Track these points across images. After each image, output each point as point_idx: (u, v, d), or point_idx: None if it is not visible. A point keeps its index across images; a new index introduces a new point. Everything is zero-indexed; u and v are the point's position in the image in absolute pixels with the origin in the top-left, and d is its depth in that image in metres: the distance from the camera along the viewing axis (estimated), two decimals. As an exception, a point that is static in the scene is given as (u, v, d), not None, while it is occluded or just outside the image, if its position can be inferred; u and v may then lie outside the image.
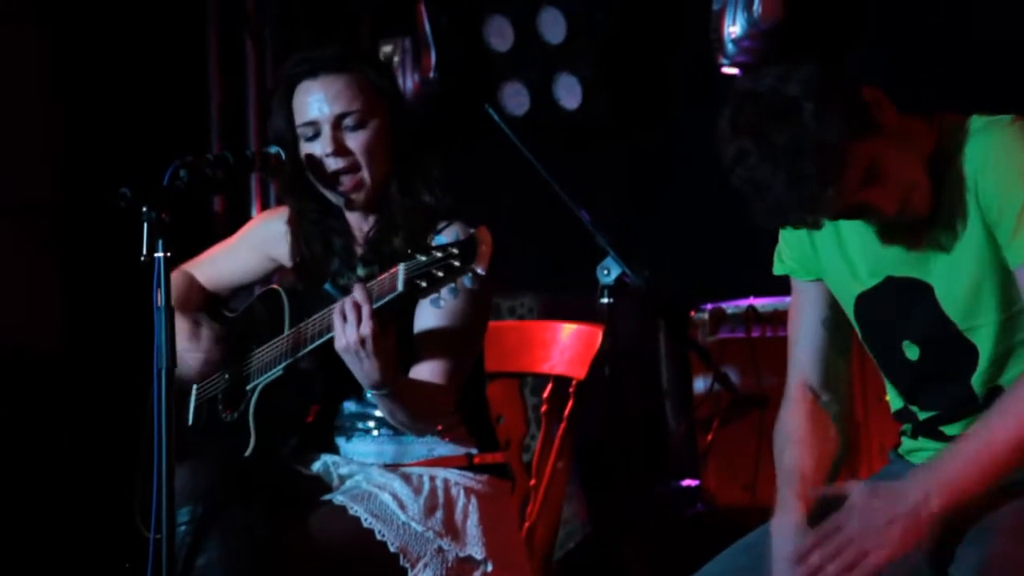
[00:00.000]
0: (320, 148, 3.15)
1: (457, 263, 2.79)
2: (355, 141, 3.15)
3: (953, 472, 2.51)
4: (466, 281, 2.81)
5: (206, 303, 3.42)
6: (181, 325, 3.16)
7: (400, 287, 2.83)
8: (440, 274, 2.80)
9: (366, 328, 2.87)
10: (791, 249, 2.81)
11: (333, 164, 3.15)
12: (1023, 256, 2.53)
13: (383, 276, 2.88)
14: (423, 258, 2.81)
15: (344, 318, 2.89)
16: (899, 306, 2.68)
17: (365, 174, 3.15)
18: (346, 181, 3.16)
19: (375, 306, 2.88)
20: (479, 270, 2.80)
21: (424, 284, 2.81)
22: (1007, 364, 2.61)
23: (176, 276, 3.34)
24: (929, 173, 2.58)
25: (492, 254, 2.80)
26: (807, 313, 2.82)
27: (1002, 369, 2.62)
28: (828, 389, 2.82)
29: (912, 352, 2.71)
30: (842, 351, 2.82)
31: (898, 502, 2.50)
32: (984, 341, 2.62)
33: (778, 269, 2.85)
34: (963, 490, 2.50)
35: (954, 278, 2.61)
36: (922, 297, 2.65)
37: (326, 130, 3.15)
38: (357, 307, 2.88)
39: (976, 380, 2.64)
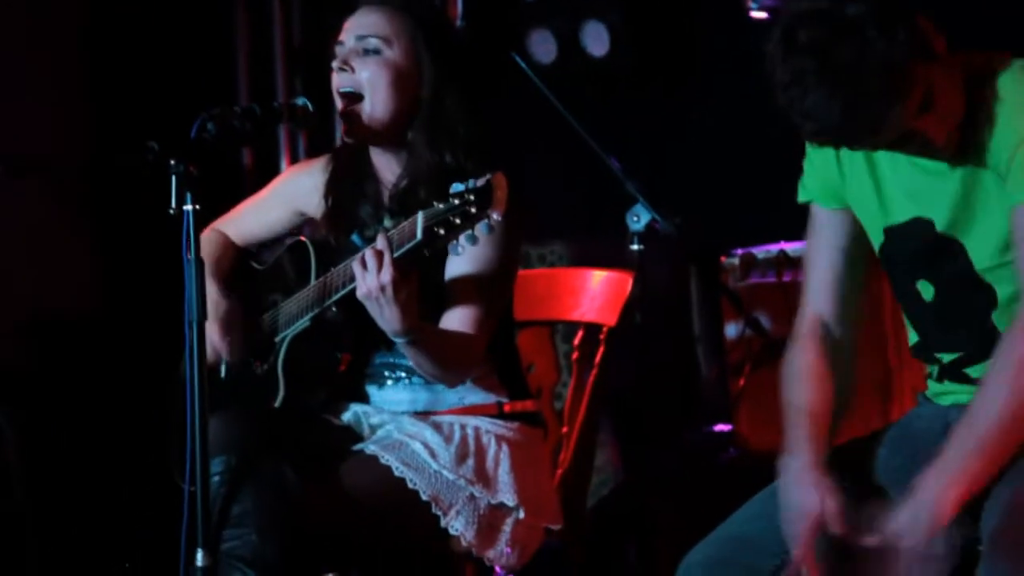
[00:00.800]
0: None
1: (474, 209, 2.79)
2: (365, 66, 3.13)
3: (956, 473, 2.50)
4: (483, 227, 2.80)
5: (236, 261, 3.42)
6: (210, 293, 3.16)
7: (419, 235, 2.83)
8: (458, 221, 2.79)
9: (386, 275, 2.87)
10: (817, 175, 2.76)
11: (336, 81, 3.14)
12: (1016, 196, 2.51)
13: (403, 224, 2.88)
14: (441, 206, 2.81)
15: (365, 266, 2.90)
16: (923, 244, 2.65)
17: (366, 104, 3.13)
18: (342, 104, 3.14)
19: (396, 254, 2.88)
20: (495, 216, 2.79)
21: (442, 231, 2.80)
22: None
23: (206, 234, 3.34)
24: (966, 108, 2.55)
25: (510, 200, 2.79)
26: (825, 243, 2.78)
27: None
28: (841, 324, 2.77)
29: (927, 292, 2.68)
30: (858, 285, 2.78)
31: (915, 524, 2.50)
32: (1002, 281, 2.59)
33: (802, 196, 2.80)
34: (973, 484, 2.49)
35: (976, 219, 2.58)
36: (944, 239, 2.62)
37: (344, 50, 3.15)
38: (378, 255, 2.88)
39: (996, 318, 2.62)
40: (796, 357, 2.78)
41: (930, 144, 2.54)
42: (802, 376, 2.75)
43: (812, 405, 2.72)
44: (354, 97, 3.14)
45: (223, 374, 3.33)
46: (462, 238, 2.82)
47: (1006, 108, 2.52)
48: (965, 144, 2.56)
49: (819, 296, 2.78)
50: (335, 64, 3.16)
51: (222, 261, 3.39)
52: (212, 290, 3.20)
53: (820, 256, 2.79)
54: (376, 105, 3.13)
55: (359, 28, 3.15)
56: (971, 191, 2.59)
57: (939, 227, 2.63)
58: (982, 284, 2.62)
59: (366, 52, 3.14)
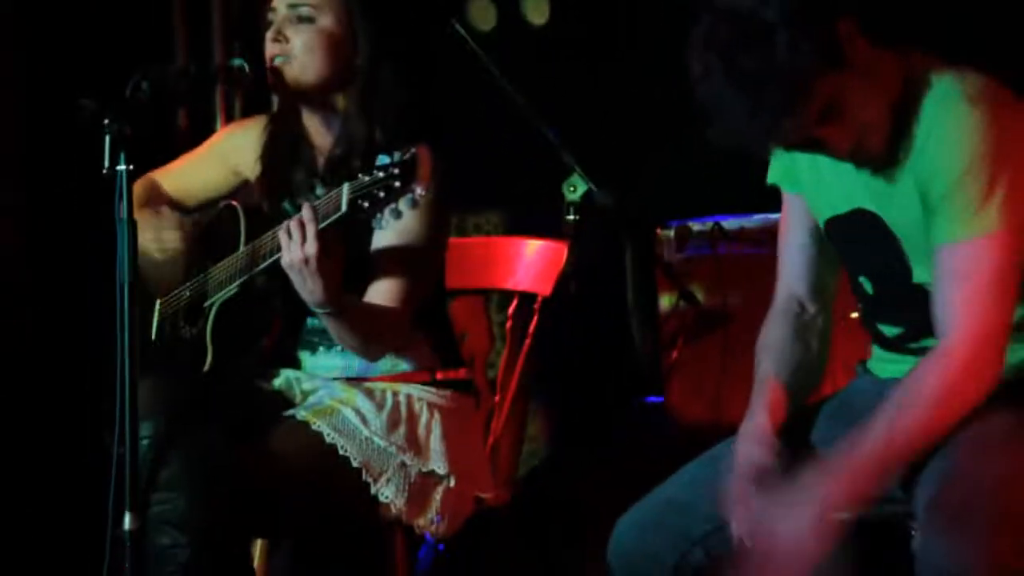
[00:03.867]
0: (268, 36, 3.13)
1: (398, 183, 2.79)
2: (297, 34, 3.12)
3: (851, 475, 2.52)
4: (407, 202, 2.81)
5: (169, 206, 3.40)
6: (144, 219, 3.13)
7: (344, 207, 2.84)
8: (382, 194, 2.81)
9: (311, 247, 2.87)
10: (779, 159, 2.81)
11: (268, 49, 3.13)
12: (938, 237, 2.54)
13: (330, 195, 2.89)
14: (366, 179, 2.81)
15: (290, 236, 2.89)
16: (863, 239, 2.68)
17: (295, 69, 3.11)
18: (272, 70, 3.12)
19: (321, 226, 2.87)
20: (419, 190, 2.80)
21: (367, 204, 2.82)
22: None
23: (139, 182, 3.33)
24: (892, 117, 2.56)
25: (437, 173, 2.80)
26: (796, 224, 2.83)
27: None
28: (815, 301, 2.84)
29: (868, 286, 2.73)
30: (831, 263, 2.83)
31: (797, 495, 2.52)
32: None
33: (769, 178, 2.86)
34: (862, 492, 2.52)
35: (911, 225, 2.61)
36: (882, 236, 2.65)
37: (277, 18, 3.13)
38: (302, 225, 2.89)
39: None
40: (766, 332, 2.84)
41: (835, 151, 2.56)
42: (769, 349, 2.81)
43: (775, 376, 2.77)
44: (283, 57, 3.12)
45: (154, 336, 3.31)
46: (386, 211, 2.83)
47: (939, 136, 2.53)
48: (893, 153, 2.58)
49: (791, 275, 2.85)
50: (269, 34, 3.13)
51: (154, 197, 3.37)
52: (143, 216, 3.15)
53: (791, 236, 2.84)
54: (306, 68, 3.11)
55: None
56: (894, 198, 2.62)
57: (874, 208, 2.65)
58: (920, 288, 2.65)
59: (299, 20, 3.12)
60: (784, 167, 2.81)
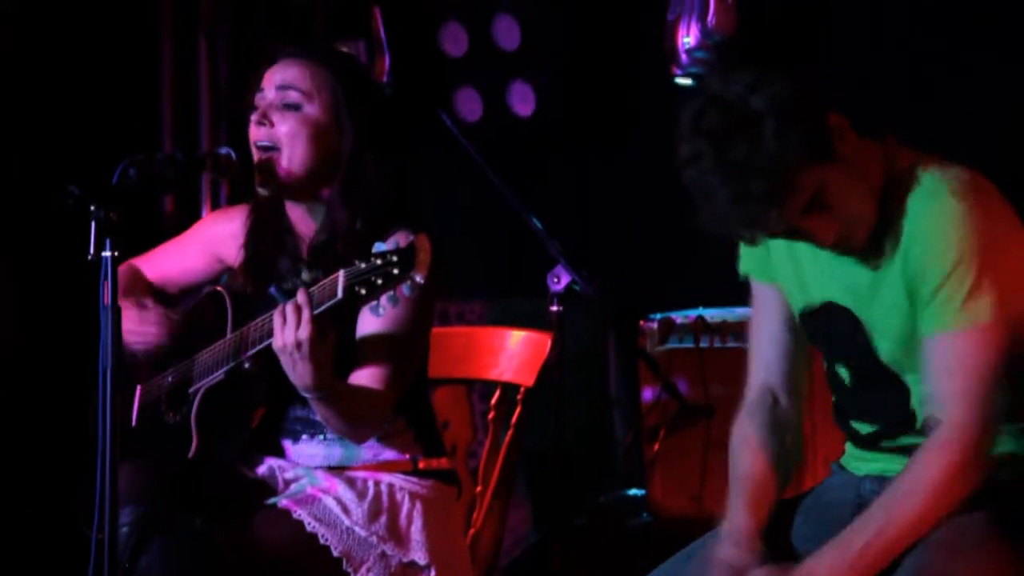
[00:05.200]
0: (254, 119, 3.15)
1: (396, 271, 2.79)
2: (284, 121, 3.12)
3: (847, 563, 2.53)
4: (405, 289, 2.81)
5: (152, 294, 3.40)
6: (127, 311, 3.12)
7: (340, 294, 2.83)
8: (380, 282, 2.80)
9: (304, 332, 2.87)
10: (750, 250, 2.81)
11: (253, 133, 3.13)
12: (929, 329, 2.56)
13: (324, 282, 2.88)
14: (363, 265, 2.81)
15: (284, 320, 2.89)
16: (836, 332, 2.70)
17: (283, 158, 3.12)
18: (257, 155, 3.12)
19: (315, 312, 2.87)
20: (418, 278, 2.79)
21: (364, 291, 2.81)
22: None
23: (122, 268, 3.32)
24: (878, 209, 2.59)
25: (432, 262, 2.80)
26: (767, 316, 2.82)
27: None
28: (788, 393, 2.82)
29: (845, 376, 2.73)
30: (801, 354, 2.83)
31: None
32: (914, 381, 2.64)
33: (741, 268, 2.85)
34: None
35: (885, 319, 2.63)
36: (856, 330, 2.66)
37: (263, 102, 3.14)
38: (297, 310, 2.88)
39: (911, 405, 2.66)
40: (741, 427, 2.82)
41: (820, 242, 2.58)
42: (745, 445, 2.80)
43: (752, 473, 2.76)
44: (269, 145, 3.13)
45: (134, 422, 3.30)
46: (384, 299, 2.82)
47: (928, 232, 2.55)
48: (877, 246, 2.60)
49: (763, 368, 2.83)
50: (254, 117, 3.15)
51: (137, 285, 3.36)
52: (126, 306, 3.15)
53: (762, 329, 2.84)
54: (293, 159, 3.12)
55: (280, 80, 3.14)
56: (876, 286, 2.63)
57: (846, 302, 2.67)
58: (897, 379, 2.66)
59: (286, 106, 3.13)
60: (758, 258, 2.80)
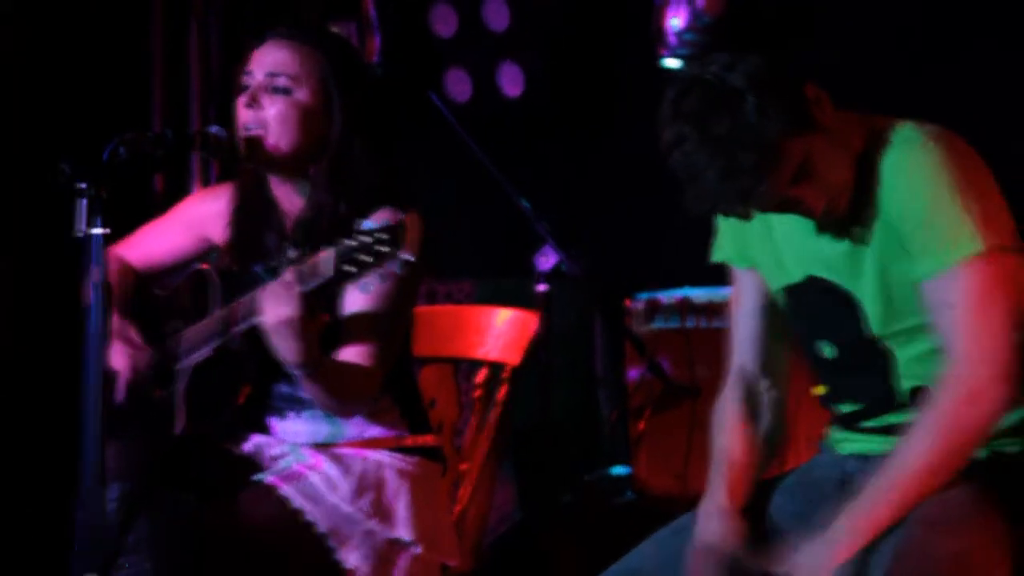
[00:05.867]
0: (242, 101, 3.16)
1: (385, 249, 2.80)
2: (272, 104, 3.13)
3: (865, 516, 2.55)
4: (394, 267, 2.82)
5: (137, 288, 3.40)
6: (116, 346, 3.14)
7: (330, 272, 2.84)
8: (368, 259, 2.81)
9: (294, 309, 2.88)
10: (728, 237, 2.85)
11: (242, 116, 3.14)
12: (927, 272, 2.57)
13: (313, 260, 2.89)
14: (352, 243, 2.82)
15: (274, 297, 2.90)
16: (820, 306, 2.72)
17: (270, 137, 3.13)
18: (247, 140, 3.13)
19: (304, 289, 2.89)
20: (407, 256, 2.80)
21: (353, 269, 2.81)
22: (926, 366, 2.63)
23: (112, 268, 3.32)
24: (856, 170, 2.61)
25: (420, 240, 2.81)
26: (745, 300, 2.86)
27: (921, 370, 2.65)
28: (767, 375, 2.86)
29: (828, 351, 2.75)
30: (780, 337, 2.86)
31: (816, 560, 2.54)
32: (899, 347, 2.66)
33: (716, 256, 2.88)
34: (877, 529, 2.54)
35: (870, 284, 2.65)
36: (840, 300, 2.68)
37: (252, 83, 3.15)
38: (287, 287, 2.89)
39: (895, 380, 2.68)
40: (722, 407, 2.86)
41: (810, 211, 2.60)
42: (726, 425, 2.83)
43: (732, 453, 2.80)
44: (257, 127, 3.14)
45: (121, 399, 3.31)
46: (372, 276, 2.83)
47: (904, 176, 2.57)
48: (856, 211, 2.62)
49: (743, 350, 2.87)
50: (243, 99, 3.15)
51: (123, 288, 3.37)
52: (113, 318, 3.19)
53: (741, 313, 2.87)
54: (280, 139, 3.13)
55: (269, 65, 3.14)
56: (859, 256, 2.65)
57: (828, 274, 2.69)
58: (882, 347, 2.68)
59: (275, 90, 3.14)
60: (733, 243, 2.84)
